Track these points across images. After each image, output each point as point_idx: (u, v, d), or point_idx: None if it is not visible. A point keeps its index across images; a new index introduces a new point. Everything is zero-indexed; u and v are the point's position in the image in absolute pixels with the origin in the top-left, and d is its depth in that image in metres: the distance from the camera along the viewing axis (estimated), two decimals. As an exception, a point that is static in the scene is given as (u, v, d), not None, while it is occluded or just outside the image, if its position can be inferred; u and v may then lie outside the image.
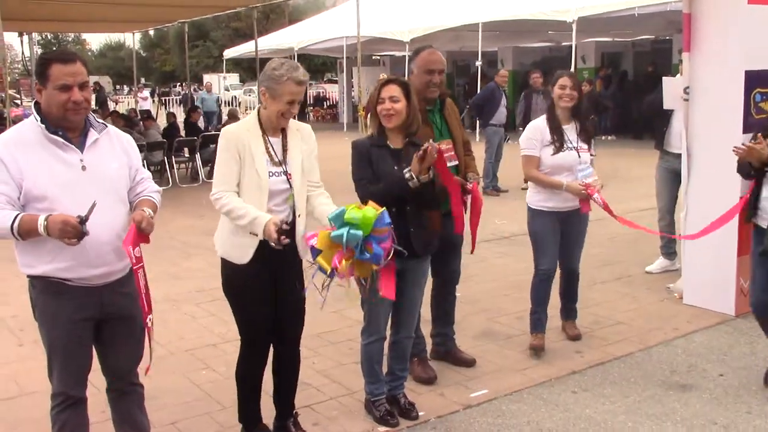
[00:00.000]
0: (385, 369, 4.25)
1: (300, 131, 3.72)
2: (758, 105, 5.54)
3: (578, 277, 5.33)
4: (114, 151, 3.17)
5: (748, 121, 5.50)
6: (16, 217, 2.85)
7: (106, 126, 3.19)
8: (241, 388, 3.89)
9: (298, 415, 4.02)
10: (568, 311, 5.41)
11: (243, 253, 3.58)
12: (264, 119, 3.60)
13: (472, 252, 4.77)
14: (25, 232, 2.87)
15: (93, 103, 20.67)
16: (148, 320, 3.11)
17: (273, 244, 3.36)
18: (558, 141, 4.88)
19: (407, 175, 3.77)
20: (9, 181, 2.91)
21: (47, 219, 2.83)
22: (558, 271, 5.21)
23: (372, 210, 3.41)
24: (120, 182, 3.15)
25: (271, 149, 3.58)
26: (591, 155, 5.04)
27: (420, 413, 4.19)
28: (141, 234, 3.04)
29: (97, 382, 3.37)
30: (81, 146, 3.04)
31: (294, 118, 3.67)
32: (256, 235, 3.44)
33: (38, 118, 2.99)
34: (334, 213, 3.45)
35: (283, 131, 3.65)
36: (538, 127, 4.99)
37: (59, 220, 2.81)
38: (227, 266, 3.67)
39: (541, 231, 5.02)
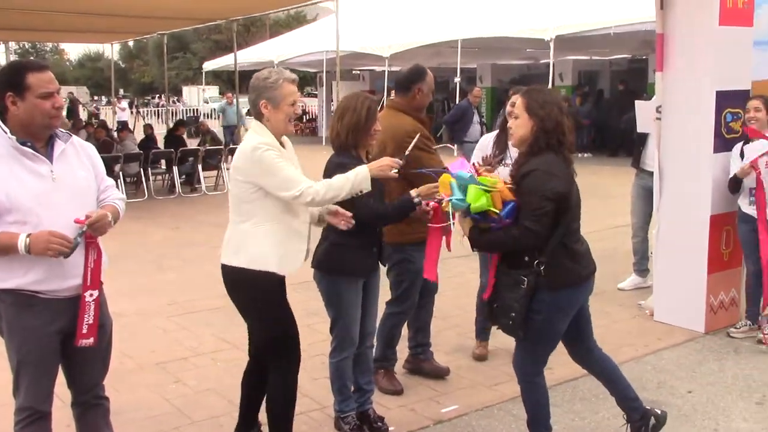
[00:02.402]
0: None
1: (285, 143, 3.73)
2: (729, 125, 5.63)
3: None
4: (81, 161, 3.15)
5: (719, 140, 5.58)
6: None
7: (71, 135, 3.18)
8: (289, 411, 3.72)
9: (261, 425, 4.00)
10: None
11: (297, 259, 3.59)
12: (273, 132, 3.54)
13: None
14: (2, 250, 2.86)
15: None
16: (87, 294, 3.03)
17: (395, 170, 3.50)
18: (497, 156, 4.92)
19: (417, 200, 3.79)
20: None
21: (29, 236, 2.85)
22: None
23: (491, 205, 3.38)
24: (89, 192, 3.14)
25: None
26: None
27: (390, 428, 4.19)
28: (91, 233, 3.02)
29: (63, 396, 3.33)
30: (49, 157, 3.03)
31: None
32: (362, 192, 3.50)
33: (6, 130, 2.96)
34: (465, 179, 3.42)
35: (281, 142, 3.63)
36: (485, 141, 5.09)
37: (45, 233, 2.85)
38: (263, 279, 3.50)
39: None
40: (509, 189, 3.44)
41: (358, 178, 3.49)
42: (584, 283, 3.59)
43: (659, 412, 3.90)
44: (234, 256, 3.53)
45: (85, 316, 3.05)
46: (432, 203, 3.91)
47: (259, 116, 3.56)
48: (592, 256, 3.66)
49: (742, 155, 5.46)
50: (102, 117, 28.01)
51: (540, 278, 3.41)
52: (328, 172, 3.77)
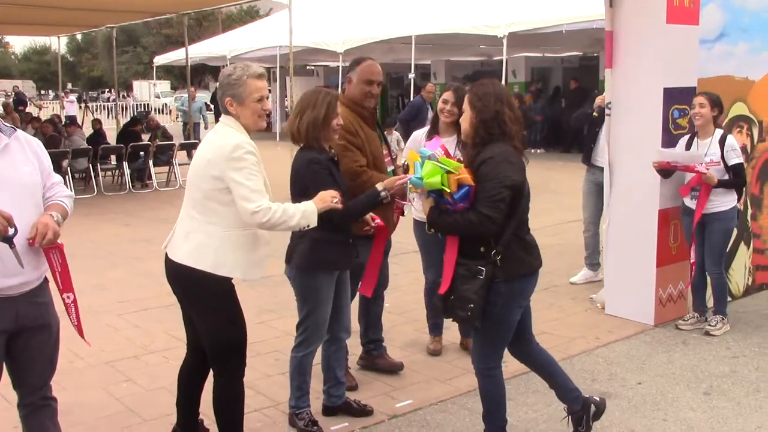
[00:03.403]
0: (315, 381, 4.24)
1: None
2: (676, 121, 5.75)
3: None
4: (25, 156, 3.06)
5: (667, 136, 5.69)
6: None
7: (15, 130, 3.09)
8: (238, 414, 3.70)
9: (203, 421, 3.99)
10: (464, 329, 5.24)
11: (264, 265, 3.57)
12: (247, 127, 3.49)
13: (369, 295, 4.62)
14: None
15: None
16: (65, 297, 2.99)
17: (336, 200, 3.55)
18: None
19: (383, 194, 3.84)
20: None
21: None
22: None
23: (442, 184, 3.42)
24: (35, 188, 3.05)
25: None
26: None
27: (344, 424, 4.19)
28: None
29: (9, 396, 3.25)
30: None
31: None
32: (308, 227, 3.46)
33: None
34: (425, 155, 3.49)
35: None
36: (416, 137, 5.16)
37: None
38: (221, 282, 3.46)
39: (422, 242, 5.09)
40: (471, 176, 3.48)
41: (306, 213, 3.46)
42: (535, 273, 3.68)
43: (598, 399, 3.98)
44: (192, 257, 3.42)
45: (70, 318, 3.01)
46: (377, 222, 4.10)
47: (227, 113, 3.50)
48: (538, 249, 3.73)
49: (688, 149, 5.58)
50: (50, 111, 27.40)
51: (496, 269, 3.46)
52: (300, 169, 3.83)
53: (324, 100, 3.88)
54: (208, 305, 3.50)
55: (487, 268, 3.47)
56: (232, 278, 3.49)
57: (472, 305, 3.48)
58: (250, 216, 3.32)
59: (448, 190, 3.41)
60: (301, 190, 3.83)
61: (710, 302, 5.86)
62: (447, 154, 3.55)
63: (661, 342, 5.55)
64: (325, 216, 3.59)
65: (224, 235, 3.41)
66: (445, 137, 4.95)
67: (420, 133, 5.18)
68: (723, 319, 5.69)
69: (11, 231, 2.82)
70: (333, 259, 3.97)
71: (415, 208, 4.92)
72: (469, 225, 3.44)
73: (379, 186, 3.87)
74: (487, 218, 3.39)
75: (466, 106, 3.62)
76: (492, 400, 3.78)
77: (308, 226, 3.48)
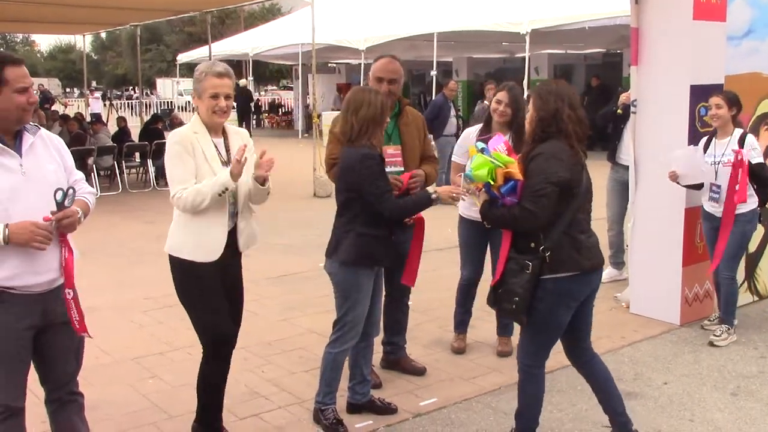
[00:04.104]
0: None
1: (239, 134, 3.82)
2: (702, 119, 5.68)
3: None
4: (50, 154, 3.12)
5: (693, 134, 5.63)
6: None
7: (39, 128, 3.14)
8: (207, 397, 3.84)
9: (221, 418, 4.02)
10: (501, 326, 5.30)
11: (214, 248, 3.60)
12: (204, 121, 3.65)
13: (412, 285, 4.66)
14: None
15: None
16: (66, 293, 3.02)
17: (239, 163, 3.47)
18: None
19: (434, 196, 3.93)
20: None
21: (7, 227, 2.82)
22: None
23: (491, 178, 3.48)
24: (59, 185, 3.07)
25: (216, 149, 3.65)
26: None
27: (369, 422, 4.19)
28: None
29: (38, 392, 3.29)
30: (18, 150, 2.99)
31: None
32: (226, 191, 3.49)
33: None
34: (479, 147, 3.58)
35: (225, 133, 3.72)
36: (468, 135, 5.09)
37: (28, 224, 2.84)
38: (183, 266, 3.63)
39: (463, 238, 5.20)
40: (522, 172, 3.51)
41: (218, 181, 3.51)
42: (587, 274, 3.61)
43: None
44: (167, 244, 3.71)
45: (72, 313, 3.04)
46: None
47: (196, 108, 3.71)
48: (599, 252, 3.70)
49: (706, 149, 5.49)
50: (75, 109, 27.65)
51: (544, 265, 3.49)
52: (355, 165, 3.86)
53: (377, 98, 3.96)
54: (178, 288, 3.73)
55: (534, 263, 3.49)
56: (203, 263, 3.59)
57: (517, 298, 3.52)
58: (173, 202, 3.58)
59: (494, 183, 3.46)
60: (351, 185, 3.90)
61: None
62: (510, 150, 3.60)
63: (687, 342, 5.50)
64: (379, 211, 3.81)
65: (178, 219, 3.68)
66: None
67: (472, 131, 5.16)
68: (729, 329, 5.47)
69: (59, 196, 2.93)
70: (376, 255, 4.00)
71: (462, 205, 5.01)
72: (512, 219, 3.49)
73: (430, 189, 3.99)
74: (529, 213, 3.42)
75: (530, 106, 3.67)
76: (528, 398, 3.78)
77: (226, 189, 3.51)
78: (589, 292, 3.70)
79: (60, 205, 2.94)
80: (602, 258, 3.72)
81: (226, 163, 3.62)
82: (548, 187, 3.42)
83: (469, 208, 5.05)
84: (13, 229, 2.84)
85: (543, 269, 3.50)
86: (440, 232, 7.00)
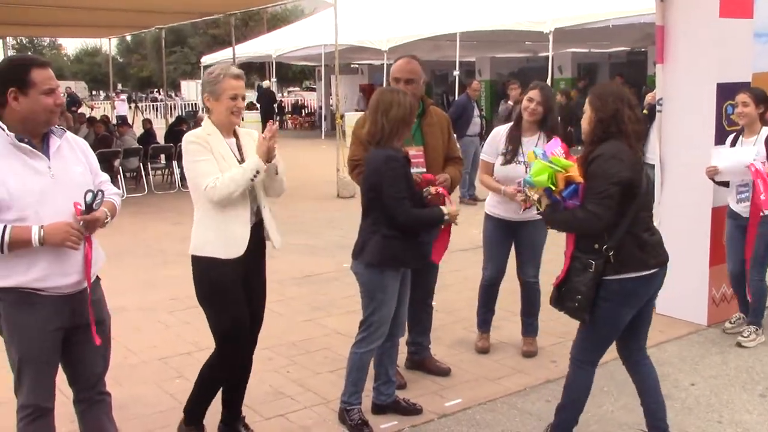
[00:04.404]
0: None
1: (249, 135, 3.86)
2: (729, 117, 5.62)
3: (536, 291, 5.20)
4: (76, 156, 3.16)
5: (720, 132, 5.57)
6: (4, 229, 2.84)
7: (65, 131, 3.18)
8: (208, 390, 3.90)
9: (245, 417, 4.06)
10: (525, 326, 5.31)
11: (238, 245, 3.64)
12: (216, 124, 3.68)
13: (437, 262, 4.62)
14: (14, 244, 2.86)
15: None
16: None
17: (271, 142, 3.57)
18: (510, 153, 4.92)
19: (446, 217, 3.97)
20: None
21: (42, 228, 2.87)
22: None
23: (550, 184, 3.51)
24: (86, 187, 3.11)
25: (229, 149, 3.70)
26: None
27: (394, 422, 4.19)
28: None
29: (67, 391, 3.33)
30: (45, 153, 3.03)
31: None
32: (257, 174, 3.55)
33: (4, 127, 2.95)
34: (538, 153, 3.61)
35: (236, 134, 3.77)
36: (498, 134, 5.07)
37: (63, 224, 2.90)
38: (209, 264, 3.66)
39: (487, 236, 5.16)
40: (582, 175, 3.52)
41: (248, 167, 3.58)
42: (651, 272, 3.60)
43: None
44: (191, 245, 3.73)
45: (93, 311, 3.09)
46: (439, 189, 4.12)
47: (206, 110, 3.74)
48: (664, 249, 3.69)
49: (733, 145, 5.41)
50: (101, 112, 27.96)
51: (608, 264, 3.50)
52: (380, 166, 3.87)
53: (405, 98, 3.97)
54: (199, 289, 3.77)
55: (598, 263, 3.50)
56: (225, 262, 3.62)
57: (580, 296, 3.54)
58: (205, 194, 3.58)
59: (555, 188, 3.48)
60: (374, 186, 3.91)
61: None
62: (567, 154, 3.60)
63: (714, 342, 5.44)
64: (394, 220, 3.84)
65: (200, 218, 3.70)
66: (527, 136, 4.92)
67: (501, 129, 5.12)
68: (757, 330, 5.40)
69: (89, 197, 2.97)
70: (401, 257, 4.00)
71: (488, 202, 5.04)
72: (576, 222, 3.51)
73: (444, 209, 3.99)
74: (594, 215, 3.43)
75: (586, 106, 3.66)
76: (573, 392, 3.78)
77: (257, 173, 3.56)
78: (653, 292, 3.70)
79: (89, 207, 2.98)
80: (667, 255, 3.70)
81: (239, 162, 3.67)
82: (611, 188, 3.42)
83: (495, 205, 5.04)
84: (47, 230, 2.88)
85: (607, 269, 3.51)
86: (465, 232, 6.99)
